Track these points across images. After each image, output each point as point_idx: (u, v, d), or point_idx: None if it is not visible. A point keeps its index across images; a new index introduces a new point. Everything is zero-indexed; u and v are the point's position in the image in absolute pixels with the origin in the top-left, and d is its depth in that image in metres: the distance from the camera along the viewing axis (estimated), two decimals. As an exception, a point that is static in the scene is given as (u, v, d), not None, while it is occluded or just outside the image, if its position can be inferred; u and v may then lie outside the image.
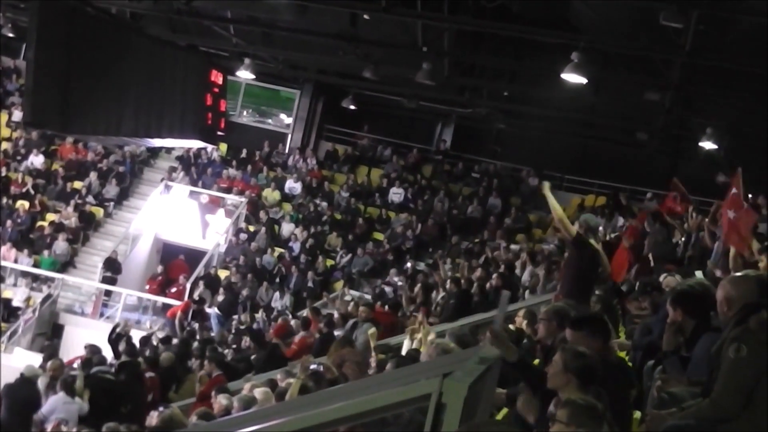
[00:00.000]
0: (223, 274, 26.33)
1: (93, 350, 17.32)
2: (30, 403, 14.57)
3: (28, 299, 24.73)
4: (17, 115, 29.21)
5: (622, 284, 13.14)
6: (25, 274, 25.46)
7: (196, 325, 21.94)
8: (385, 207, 28.89)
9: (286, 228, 27.98)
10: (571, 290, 10.18)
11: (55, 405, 14.06)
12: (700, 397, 5.10)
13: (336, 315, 16.83)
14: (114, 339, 18.47)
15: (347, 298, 21.46)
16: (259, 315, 22.54)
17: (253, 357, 16.59)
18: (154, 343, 19.24)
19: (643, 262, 14.48)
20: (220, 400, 11.42)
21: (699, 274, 10.12)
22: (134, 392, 14.91)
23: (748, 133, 23.74)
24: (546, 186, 11.13)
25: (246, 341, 18.15)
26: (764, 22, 15.67)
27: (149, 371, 15.89)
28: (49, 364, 15.85)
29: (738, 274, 5.29)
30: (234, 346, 18.54)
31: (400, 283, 22.66)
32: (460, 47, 22.81)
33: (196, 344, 18.50)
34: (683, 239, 14.73)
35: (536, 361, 7.27)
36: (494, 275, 17.07)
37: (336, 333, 15.98)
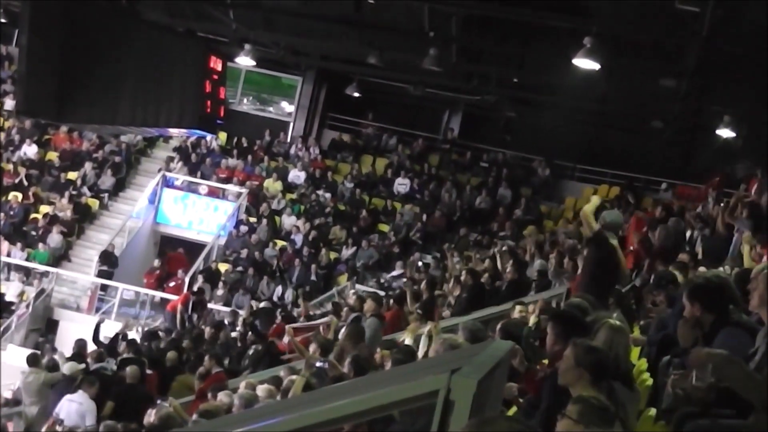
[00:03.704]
0: (223, 267, 26.06)
1: (80, 345, 17.26)
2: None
3: (21, 294, 24.58)
4: (9, 103, 28.95)
5: (636, 278, 13.04)
6: (18, 268, 25.23)
7: (195, 317, 21.58)
8: (390, 198, 28.56)
9: (288, 220, 27.55)
10: (588, 289, 9.99)
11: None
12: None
13: (346, 309, 16.66)
14: (113, 337, 18.29)
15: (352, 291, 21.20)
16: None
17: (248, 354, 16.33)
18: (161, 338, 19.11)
19: (654, 256, 14.13)
20: (220, 398, 11.20)
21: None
22: (134, 390, 14.73)
23: (767, 120, 23.37)
24: (596, 199, 11.76)
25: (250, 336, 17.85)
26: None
27: (150, 369, 15.76)
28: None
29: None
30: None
31: (395, 282, 22.45)
32: (467, 32, 22.60)
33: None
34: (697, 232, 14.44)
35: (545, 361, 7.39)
36: (508, 268, 16.56)
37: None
